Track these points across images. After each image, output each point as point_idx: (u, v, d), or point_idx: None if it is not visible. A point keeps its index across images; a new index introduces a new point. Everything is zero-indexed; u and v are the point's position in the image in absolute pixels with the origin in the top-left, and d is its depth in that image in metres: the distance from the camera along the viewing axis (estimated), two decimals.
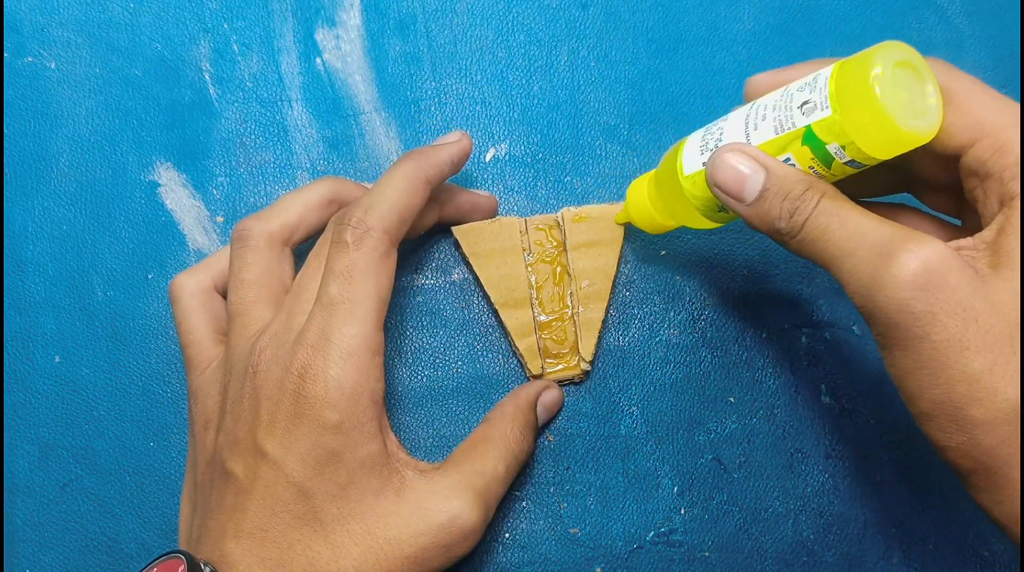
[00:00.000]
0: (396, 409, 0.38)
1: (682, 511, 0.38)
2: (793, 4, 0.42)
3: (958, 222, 0.32)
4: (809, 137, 0.27)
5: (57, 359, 0.38)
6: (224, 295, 0.35)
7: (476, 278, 0.38)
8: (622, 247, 0.39)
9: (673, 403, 0.39)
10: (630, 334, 0.39)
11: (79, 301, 0.39)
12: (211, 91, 0.41)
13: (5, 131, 0.40)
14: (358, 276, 0.30)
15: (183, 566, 0.27)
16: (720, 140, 0.30)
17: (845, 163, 0.27)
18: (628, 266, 0.39)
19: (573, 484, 0.38)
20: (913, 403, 0.26)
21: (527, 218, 0.39)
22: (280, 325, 0.31)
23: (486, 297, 0.38)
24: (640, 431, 0.38)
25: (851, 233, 0.26)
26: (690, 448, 0.38)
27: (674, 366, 0.39)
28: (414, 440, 0.38)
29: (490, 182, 0.40)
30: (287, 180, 0.40)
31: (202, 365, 0.34)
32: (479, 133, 0.41)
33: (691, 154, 0.32)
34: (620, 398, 0.38)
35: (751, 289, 0.40)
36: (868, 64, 0.26)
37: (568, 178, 0.40)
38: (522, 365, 0.38)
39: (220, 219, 0.40)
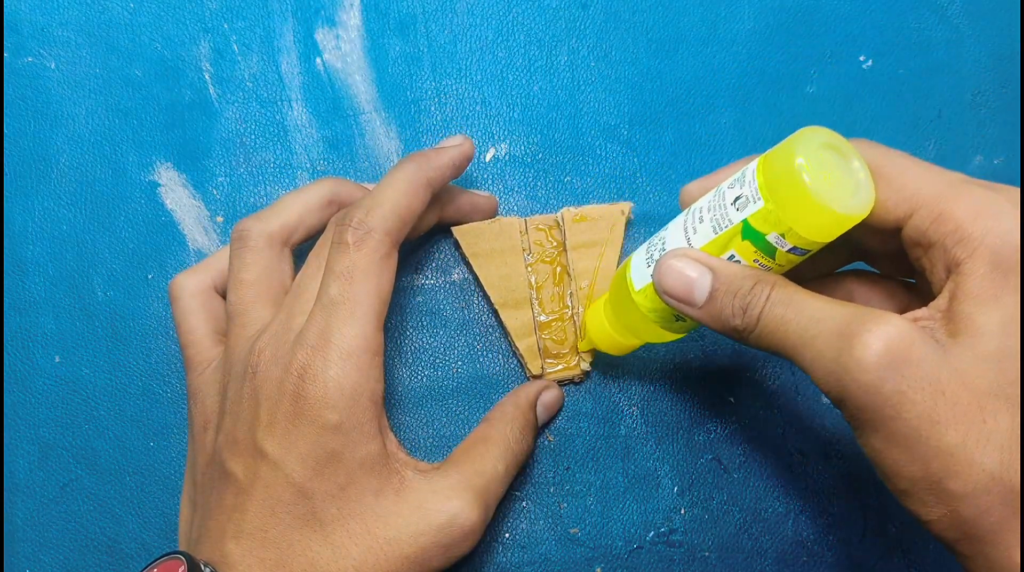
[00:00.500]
0: (396, 409, 0.38)
1: (682, 511, 0.38)
2: (793, 4, 0.42)
3: (913, 281, 0.31)
4: (748, 231, 0.27)
5: (57, 359, 0.38)
6: (224, 295, 0.35)
7: (476, 278, 0.38)
8: (622, 247, 0.39)
9: (673, 403, 0.39)
10: None
11: (79, 301, 0.39)
12: (211, 91, 0.41)
13: (5, 131, 0.40)
14: (359, 277, 0.30)
15: (183, 567, 0.27)
16: (663, 250, 0.30)
17: (788, 251, 0.27)
18: None
19: (573, 484, 0.38)
20: (891, 481, 0.25)
21: (527, 218, 0.39)
22: (280, 325, 0.31)
23: (486, 297, 0.38)
24: (640, 431, 0.38)
25: (808, 320, 0.26)
26: (690, 448, 0.38)
27: (674, 366, 0.39)
28: (414, 440, 0.38)
29: (490, 182, 0.40)
30: (287, 180, 0.40)
31: (201, 365, 0.34)
32: (479, 133, 0.41)
33: (638, 268, 0.32)
34: (620, 398, 0.38)
35: None
36: (791, 153, 0.26)
37: (568, 178, 0.40)
38: (522, 365, 0.38)
39: (220, 219, 0.40)
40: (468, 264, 0.38)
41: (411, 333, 0.39)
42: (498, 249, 0.38)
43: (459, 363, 0.39)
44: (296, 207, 0.34)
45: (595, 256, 0.38)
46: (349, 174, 0.40)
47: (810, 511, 0.38)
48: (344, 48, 0.41)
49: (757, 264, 0.28)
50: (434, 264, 0.39)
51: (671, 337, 0.33)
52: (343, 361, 0.30)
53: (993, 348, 0.24)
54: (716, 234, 0.28)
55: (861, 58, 0.42)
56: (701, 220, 0.29)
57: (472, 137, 0.41)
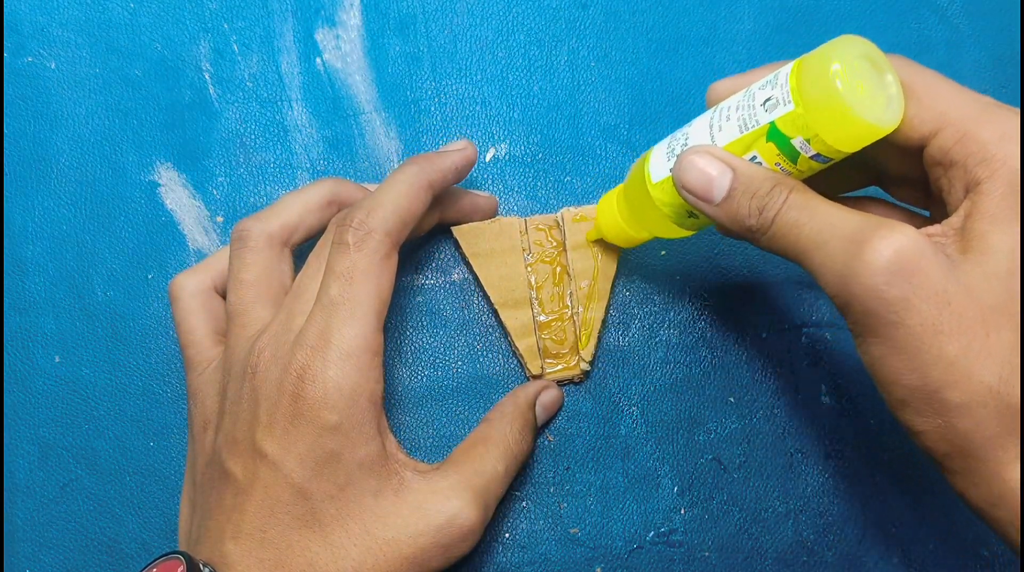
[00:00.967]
0: (396, 409, 0.38)
1: (682, 511, 0.38)
2: (793, 4, 0.42)
3: (926, 213, 0.32)
4: (774, 133, 0.27)
5: (57, 359, 0.38)
6: (224, 295, 0.35)
7: (476, 278, 0.38)
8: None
9: (673, 403, 0.39)
10: (630, 334, 0.39)
11: (79, 301, 0.39)
12: (211, 91, 0.41)
13: (5, 131, 0.40)
14: (359, 277, 0.30)
15: (182, 567, 0.27)
16: (686, 145, 0.30)
17: (811, 158, 0.27)
18: (628, 266, 0.39)
19: (573, 484, 0.38)
20: (888, 390, 0.26)
21: (527, 218, 0.39)
22: (279, 326, 0.31)
23: (486, 297, 0.38)
24: (640, 431, 0.38)
25: (822, 225, 0.26)
26: (690, 448, 0.38)
27: (674, 366, 0.39)
28: (414, 440, 0.38)
29: (490, 182, 0.40)
30: (287, 180, 0.40)
31: (201, 365, 0.34)
32: (479, 133, 0.41)
33: (658, 161, 0.32)
34: (620, 398, 0.38)
35: (751, 289, 0.40)
36: (827, 59, 0.26)
37: (568, 178, 0.40)
38: (522, 365, 0.38)
39: (220, 219, 0.40)
40: (468, 264, 0.38)
41: (411, 333, 0.39)
42: (498, 249, 0.38)
43: (459, 363, 0.39)
44: (296, 207, 0.34)
45: (595, 256, 0.38)
46: (349, 174, 0.40)
47: (810, 511, 0.38)
48: (344, 48, 0.41)
49: (778, 167, 0.28)
50: (434, 264, 0.39)
51: (681, 234, 0.33)
52: (343, 361, 0.30)
53: (1003, 267, 0.25)
54: (741, 134, 0.28)
55: None
56: (728, 119, 0.29)
57: (472, 137, 0.41)
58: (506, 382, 0.38)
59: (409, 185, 0.32)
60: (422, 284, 0.39)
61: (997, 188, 0.25)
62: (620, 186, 0.35)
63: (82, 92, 0.41)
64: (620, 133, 0.41)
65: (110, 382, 0.38)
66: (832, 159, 0.27)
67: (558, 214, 0.39)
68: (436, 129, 0.41)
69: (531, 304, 0.38)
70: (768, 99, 0.27)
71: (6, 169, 0.40)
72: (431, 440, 0.38)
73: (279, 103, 0.41)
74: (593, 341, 0.38)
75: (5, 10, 0.41)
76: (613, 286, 0.38)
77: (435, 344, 0.39)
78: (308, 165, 0.40)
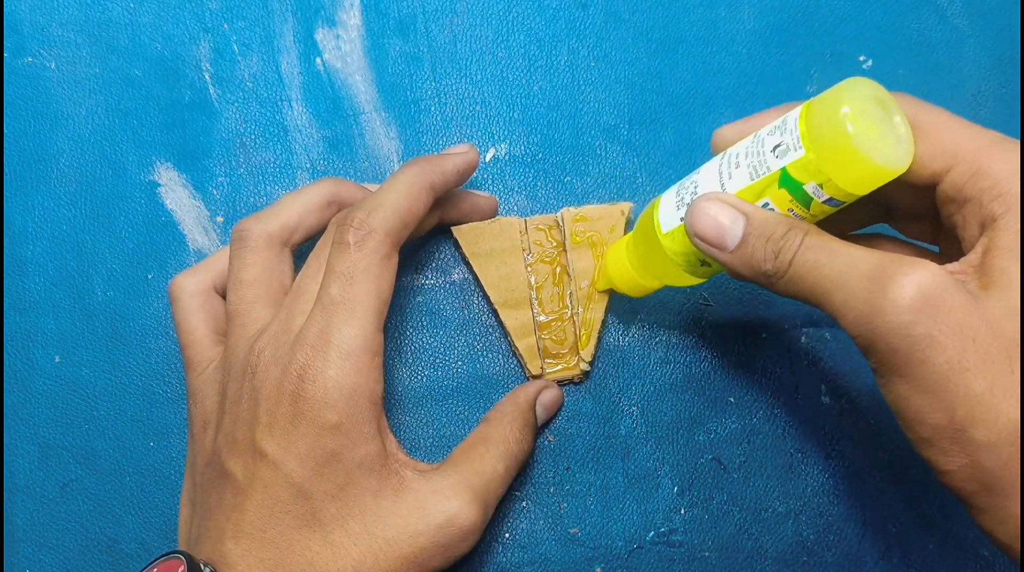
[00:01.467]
0: (396, 409, 0.38)
1: (682, 511, 0.38)
2: (793, 4, 0.42)
3: (935, 249, 0.32)
4: (785, 179, 0.27)
5: (57, 359, 0.38)
6: (224, 295, 0.35)
7: (476, 278, 0.38)
8: None
9: (673, 403, 0.39)
10: (630, 334, 0.39)
11: (79, 301, 0.39)
12: (211, 91, 0.41)
13: (5, 131, 0.40)
14: (359, 277, 0.30)
15: (183, 566, 0.27)
16: (695, 193, 0.30)
17: (824, 202, 0.27)
18: None
19: (573, 484, 0.38)
20: (912, 429, 0.25)
21: (527, 218, 0.39)
22: (279, 325, 0.31)
23: (486, 297, 0.38)
24: (640, 431, 0.38)
25: (841, 265, 0.26)
26: (690, 448, 0.38)
27: (674, 366, 0.39)
28: (414, 440, 0.38)
29: (490, 182, 0.40)
30: (287, 180, 0.40)
31: (201, 365, 0.34)
32: (479, 133, 0.41)
33: (667, 210, 0.32)
34: (620, 398, 0.38)
35: (751, 289, 0.40)
36: (837, 103, 0.26)
37: (568, 178, 0.40)
38: (522, 365, 0.38)
39: (220, 219, 0.40)
40: (468, 264, 0.38)
41: (411, 333, 0.39)
42: (498, 249, 0.38)
43: (459, 363, 0.39)
44: (296, 207, 0.34)
45: (595, 256, 0.38)
46: (349, 174, 0.40)
47: (810, 511, 0.38)
48: (344, 48, 0.41)
49: (791, 213, 0.28)
50: (434, 264, 0.39)
51: (693, 281, 0.33)
52: (343, 361, 0.30)
53: None
54: (752, 180, 0.28)
55: (861, 58, 0.42)
56: (737, 166, 0.29)
57: (472, 137, 0.41)
58: (506, 382, 0.38)
59: (410, 186, 0.32)
60: (422, 284, 0.39)
61: (1014, 223, 0.25)
62: (628, 235, 0.35)
63: (82, 92, 0.41)
64: (620, 133, 0.41)
65: (110, 382, 0.38)
66: (845, 202, 0.27)
67: (558, 214, 0.39)
68: (436, 129, 0.41)
69: (531, 304, 0.38)
70: (778, 145, 0.27)
71: (6, 169, 0.40)
72: (431, 440, 0.38)
73: (279, 103, 0.41)
74: (593, 341, 0.38)
75: (5, 10, 0.41)
76: None
77: (435, 344, 0.39)
78: (308, 165, 0.40)
